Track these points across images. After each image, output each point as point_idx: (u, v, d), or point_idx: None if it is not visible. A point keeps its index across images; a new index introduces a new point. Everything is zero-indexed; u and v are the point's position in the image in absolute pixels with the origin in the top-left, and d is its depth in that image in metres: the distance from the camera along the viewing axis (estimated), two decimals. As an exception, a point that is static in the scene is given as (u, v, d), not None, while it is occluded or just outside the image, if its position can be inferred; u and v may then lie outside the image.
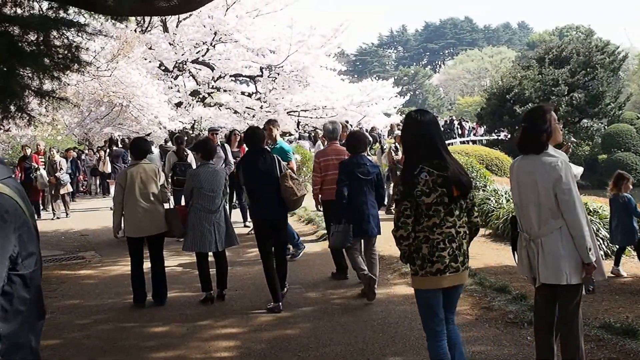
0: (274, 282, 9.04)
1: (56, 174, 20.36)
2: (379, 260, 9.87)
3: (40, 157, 21.11)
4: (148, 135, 26.65)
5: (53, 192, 20.71)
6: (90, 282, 11.44)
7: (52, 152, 21.28)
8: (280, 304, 9.00)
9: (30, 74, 10.29)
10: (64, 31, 10.14)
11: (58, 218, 20.38)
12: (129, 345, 7.82)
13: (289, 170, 9.30)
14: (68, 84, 17.75)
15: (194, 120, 27.06)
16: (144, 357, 7.45)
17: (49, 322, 8.74)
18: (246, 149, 9.95)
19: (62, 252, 14.33)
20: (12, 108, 10.11)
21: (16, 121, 11.21)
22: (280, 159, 9.36)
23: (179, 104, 26.78)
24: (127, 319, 8.97)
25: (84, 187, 30.35)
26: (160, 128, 25.30)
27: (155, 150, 22.29)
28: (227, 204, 14.87)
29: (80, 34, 10.41)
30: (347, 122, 28.20)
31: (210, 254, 9.68)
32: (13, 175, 3.01)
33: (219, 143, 14.63)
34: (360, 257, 9.30)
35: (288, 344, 7.53)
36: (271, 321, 8.50)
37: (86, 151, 31.96)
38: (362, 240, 9.51)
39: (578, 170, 8.66)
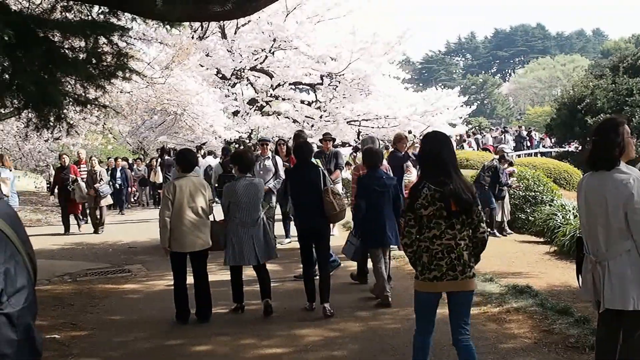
0: (311, 287, 9.58)
1: (95, 185, 19.47)
2: None
3: (82, 166, 20.44)
4: (203, 144, 26.48)
5: (93, 205, 19.70)
6: (134, 297, 11.16)
7: (92, 162, 20.28)
8: (314, 304, 9.51)
9: (72, 82, 10.05)
10: (111, 37, 9.83)
11: (96, 233, 19.52)
12: (168, 366, 7.45)
13: (332, 186, 9.66)
14: (121, 92, 17.61)
15: (251, 130, 26.78)
16: (180, 378, 7.08)
17: (87, 339, 8.61)
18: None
19: (109, 264, 14.06)
20: (51, 117, 9.82)
21: (53, 130, 10.95)
22: (325, 173, 9.81)
23: (235, 113, 26.57)
24: (168, 337, 8.65)
25: (134, 198, 30.04)
26: (215, 138, 25.11)
27: (216, 161, 22.03)
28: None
29: (124, 39, 10.05)
30: (409, 132, 27.70)
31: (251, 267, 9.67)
32: (5, 198, 2.64)
33: (269, 155, 14.13)
34: (385, 274, 9.87)
35: (334, 366, 7.11)
36: (318, 341, 8.12)
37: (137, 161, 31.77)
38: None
39: None
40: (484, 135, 41.99)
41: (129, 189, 27.99)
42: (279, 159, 14.15)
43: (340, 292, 10.32)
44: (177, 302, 9.29)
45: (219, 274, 11.61)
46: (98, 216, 19.59)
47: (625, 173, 5.11)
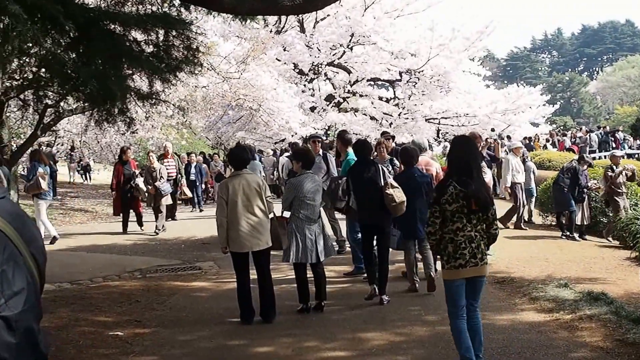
0: (373, 276, 10.04)
1: (155, 183, 18.26)
2: (507, 282, 10.86)
3: (168, 160, 20.01)
4: (282, 141, 26.36)
5: (153, 204, 18.58)
6: (202, 295, 11.12)
7: (150, 159, 19.23)
8: (384, 297, 9.85)
9: (137, 76, 10.07)
10: (175, 31, 9.81)
11: (159, 231, 18.38)
12: (227, 367, 7.37)
13: (391, 180, 9.97)
14: (196, 87, 17.64)
15: (328, 126, 26.59)
16: (239, 379, 6.98)
17: (150, 336, 8.60)
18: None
19: (180, 261, 14.09)
20: (114, 111, 9.85)
21: (115, 124, 11.01)
22: (384, 169, 10.23)
23: (312, 109, 26.45)
24: (231, 337, 8.57)
25: (211, 194, 29.66)
26: (292, 135, 25.00)
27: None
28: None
29: (189, 33, 10.00)
30: (492, 129, 27.27)
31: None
32: (8, 195, 2.52)
33: (320, 153, 13.49)
34: (414, 262, 10.77)
35: (397, 372, 6.92)
36: (382, 345, 7.93)
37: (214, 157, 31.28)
38: (416, 242, 10.70)
39: None
40: (582, 135, 40.90)
41: (203, 185, 27.10)
42: (331, 157, 13.75)
43: (410, 295, 10.21)
44: (241, 302, 9.21)
45: (289, 273, 11.52)
46: (160, 216, 18.57)
47: None
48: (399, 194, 9.75)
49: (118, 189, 18.65)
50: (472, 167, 6.57)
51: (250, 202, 8.97)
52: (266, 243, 9.17)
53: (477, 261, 6.46)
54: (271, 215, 9.45)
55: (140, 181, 18.25)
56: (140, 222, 18.80)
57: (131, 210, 18.71)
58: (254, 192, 9.03)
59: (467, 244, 6.44)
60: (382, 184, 9.82)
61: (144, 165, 18.74)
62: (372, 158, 10.92)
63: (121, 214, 18.79)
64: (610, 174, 15.72)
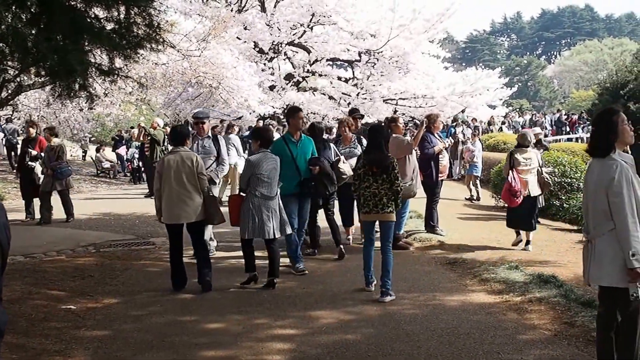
0: (336, 231, 12.04)
1: (52, 164, 15.76)
2: (458, 263, 11.17)
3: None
4: (239, 119, 26.18)
5: (48, 188, 15.92)
6: (154, 270, 11.19)
7: (48, 135, 16.57)
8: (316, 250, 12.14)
9: (98, 52, 10.04)
10: (137, 7, 9.76)
11: (44, 222, 15.72)
12: (179, 342, 7.49)
13: (342, 157, 11.87)
14: (156, 64, 17.54)
15: (286, 105, 26.44)
16: (189, 355, 7.11)
17: (103, 311, 8.71)
18: None
19: (134, 236, 14.20)
20: (75, 86, 9.83)
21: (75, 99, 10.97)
22: (333, 147, 12.05)
23: (272, 87, 26.30)
24: (183, 312, 8.66)
25: None
26: (250, 113, 24.91)
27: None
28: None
29: (151, 10, 9.97)
30: (462, 111, 27.59)
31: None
32: None
33: (209, 135, 12.05)
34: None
35: (346, 350, 7.13)
36: (332, 324, 8.10)
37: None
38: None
39: None
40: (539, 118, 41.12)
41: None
42: (221, 139, 12.38)
43: (361, 275, 10.03)
44: (172, 271, 9.85)
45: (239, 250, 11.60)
46: (63, 202, 16.25)
47: (614, 160, 5.58)
48: (347, 169, 11.41)
49: (19, 172, 16.94)
50: (379, 144, 9.26)
51: (181, 177, 9.56)
52: (195, 216, 9.66)
53: (379, 210, 9.07)
54: (212, 193, 10.20)
55: (37, 164, 16.38)
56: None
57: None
58: (187, 169, 9.59)
59: (372, 197, 9.09)
60: (334, 161, 11.56)
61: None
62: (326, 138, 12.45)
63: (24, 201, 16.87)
64: None
